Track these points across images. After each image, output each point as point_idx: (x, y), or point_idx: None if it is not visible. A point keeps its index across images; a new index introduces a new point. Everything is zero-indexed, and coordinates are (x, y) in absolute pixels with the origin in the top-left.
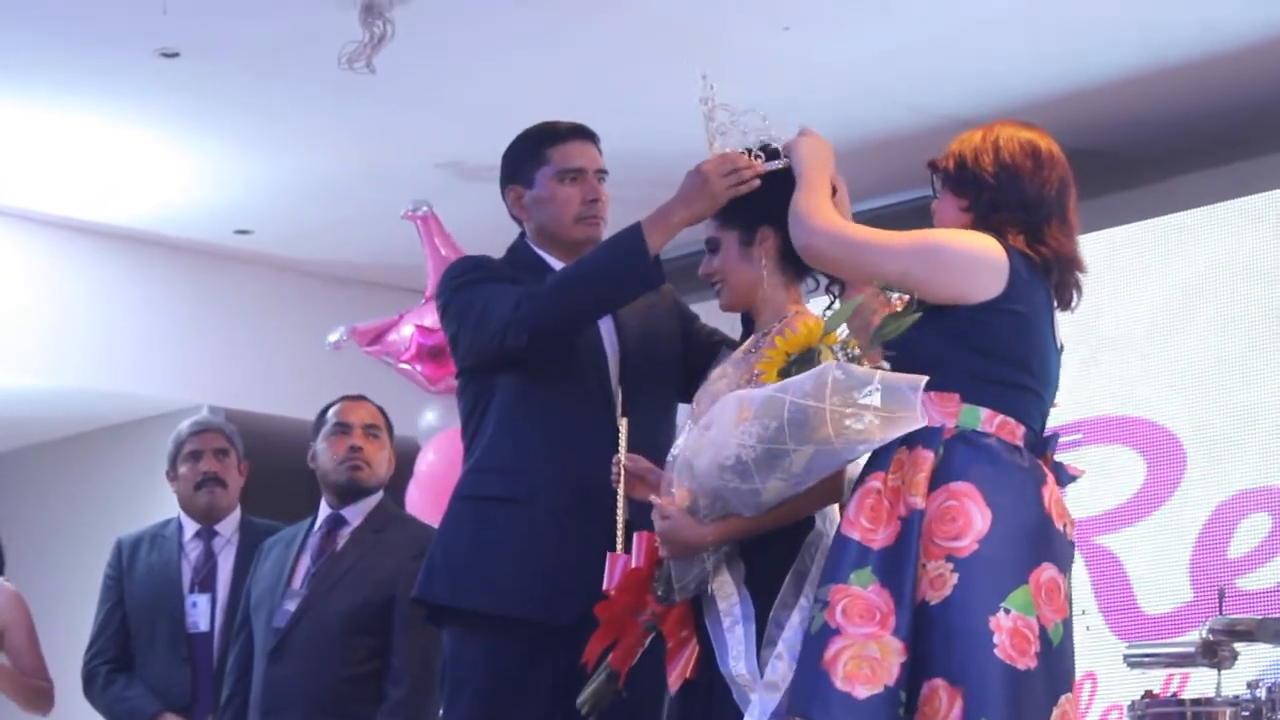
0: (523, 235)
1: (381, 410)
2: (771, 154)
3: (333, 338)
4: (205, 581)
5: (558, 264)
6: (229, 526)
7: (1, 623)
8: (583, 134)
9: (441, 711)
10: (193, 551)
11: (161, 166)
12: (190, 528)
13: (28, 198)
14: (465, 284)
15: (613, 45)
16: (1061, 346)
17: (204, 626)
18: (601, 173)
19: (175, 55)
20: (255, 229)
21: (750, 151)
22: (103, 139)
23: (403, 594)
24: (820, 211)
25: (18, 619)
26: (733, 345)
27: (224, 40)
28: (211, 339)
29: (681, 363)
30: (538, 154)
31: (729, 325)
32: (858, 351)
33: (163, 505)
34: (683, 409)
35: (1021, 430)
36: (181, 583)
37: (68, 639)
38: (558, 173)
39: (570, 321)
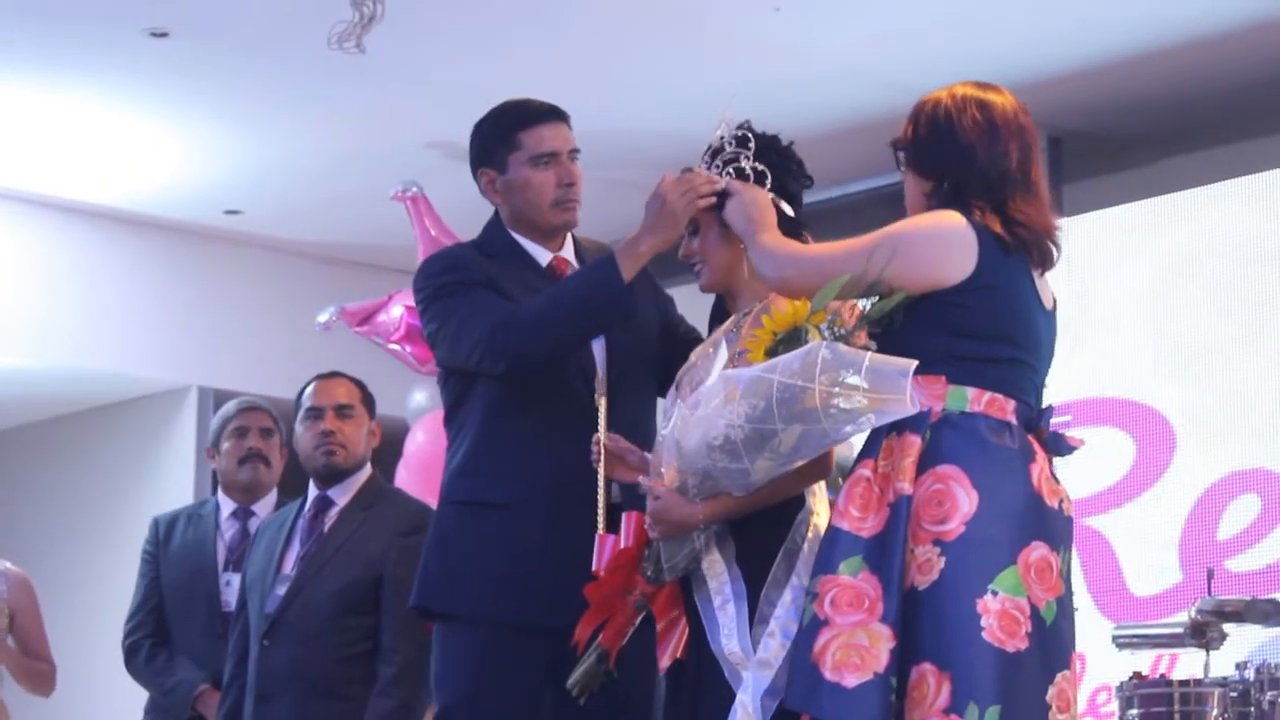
0: (497, 215)
1: (359, 384)
2: (740, 175)
3: (322, 318)
4: (239, 561)
5: (534, 248)
6: (265, 508)
7: (13, 607)
8: (554, 114)
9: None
10: (228, 531)
11: (151, 147)
12: (227, 507)
13: (16, 178)
14: (445, 287)
15: (603, 25)
16: (1054, 304)
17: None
18: (574, 152)
19: (164, 35)
20: (245, 209)
21: (715, 162)
22: (91, 119)
23: (391, 572)
24: (781, 244)
25: (28, 603)
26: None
27: (213, 20)
28: (201, 319)
29: (661, 354)
30: (509, 138)
31: (702, 310)
32: (844, 330)
33: (153, 485)
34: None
35: (1013, 405)
36: (216, 561)
37: (55, 617)
38: (531, 158)
39: (548, 354)
